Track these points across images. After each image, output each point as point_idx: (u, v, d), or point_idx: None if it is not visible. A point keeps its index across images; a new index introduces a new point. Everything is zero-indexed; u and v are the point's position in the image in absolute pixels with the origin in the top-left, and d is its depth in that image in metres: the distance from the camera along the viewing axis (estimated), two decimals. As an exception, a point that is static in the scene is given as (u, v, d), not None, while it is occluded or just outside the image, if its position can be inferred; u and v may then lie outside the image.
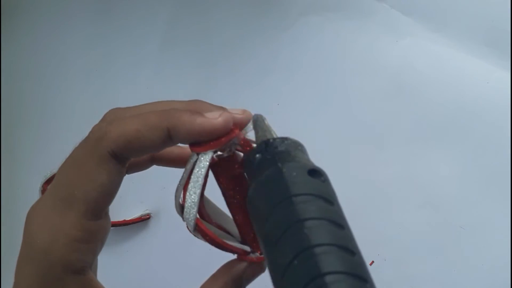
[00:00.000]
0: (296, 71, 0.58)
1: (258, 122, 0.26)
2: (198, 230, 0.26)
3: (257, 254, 0.27)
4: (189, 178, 0.25)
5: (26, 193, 0.56)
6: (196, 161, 0.25)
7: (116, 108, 0.27)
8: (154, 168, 0.32)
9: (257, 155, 0.24)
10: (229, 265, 0.27)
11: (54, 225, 0.24)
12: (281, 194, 0.21)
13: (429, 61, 0.56)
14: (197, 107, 0.26)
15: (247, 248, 0.27)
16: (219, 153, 0.25)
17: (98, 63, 0.60)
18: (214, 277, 0.27)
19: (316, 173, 0.22)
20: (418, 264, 0.52)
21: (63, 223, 0.24)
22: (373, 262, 0.48)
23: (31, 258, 0.25)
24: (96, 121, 0.27)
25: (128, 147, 0.24)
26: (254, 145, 0.26)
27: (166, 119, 0.24)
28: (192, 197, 0.25)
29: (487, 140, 0.54)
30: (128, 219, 0.57)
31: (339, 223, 0.20)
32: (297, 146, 0.24)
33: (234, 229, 0.28)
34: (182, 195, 0.26)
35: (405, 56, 0.57)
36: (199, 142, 0.25)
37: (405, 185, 0.54)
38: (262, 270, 0.28)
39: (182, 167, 0.27)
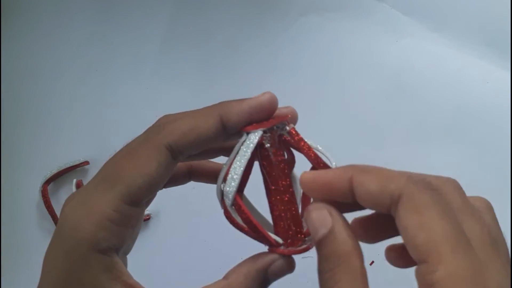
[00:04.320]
0: (296, 71, 0.58)
1: None
2: (235, 206, 0.26)
3: (289, 248, 0.26)
4: (235, 156, 0.26)
5: (26, 193, 0.56)
6: (245, 140, 0.26)
7: (168, 114, 0.28)
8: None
9: None
10: (256, 256, 0.27)
11: (91, 201, 0.25)
12: None
13: (429, 61, 0.56)
14: None
15: (279, 240, 0.26)
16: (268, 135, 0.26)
17: (98, 63, 0.60)
18: (239, 265, 0.27)
19: None
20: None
21: (101, 200, 0.25)
22: (373, 262, 0.48)
23: (60, 235, 0.25)
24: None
25: (184, 139, 0.25)
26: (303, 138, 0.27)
27: (217, 108, 0.26)
28: (236, 170, 0.25)
29: (487, 140, 0.54)
30: (128, 219, 0.57)
31: None
32: None
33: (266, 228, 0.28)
34: (224, 175, 0.26)
35: (405, 56, 0.57)
36: (250, 124, 0.26)
37: (405, 185, 0.54)
38: (290, 269, 0.27)
39: None
